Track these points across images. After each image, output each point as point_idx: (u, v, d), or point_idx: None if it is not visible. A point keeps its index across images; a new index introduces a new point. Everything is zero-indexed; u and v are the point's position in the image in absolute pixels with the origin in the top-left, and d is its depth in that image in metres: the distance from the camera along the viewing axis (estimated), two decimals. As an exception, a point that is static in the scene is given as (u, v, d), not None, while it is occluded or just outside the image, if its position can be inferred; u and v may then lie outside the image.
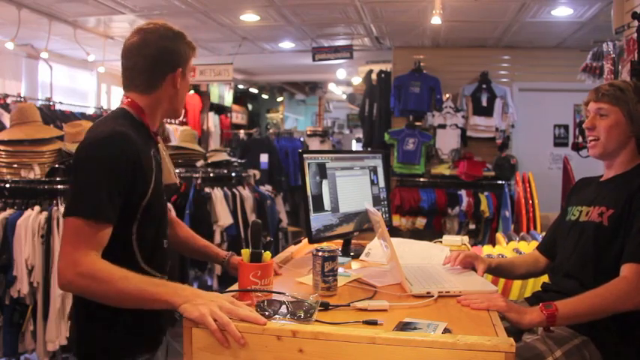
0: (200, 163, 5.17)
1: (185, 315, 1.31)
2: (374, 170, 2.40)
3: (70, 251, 1.38)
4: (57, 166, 3.44)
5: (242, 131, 8.75)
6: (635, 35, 2.87)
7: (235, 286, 1.54)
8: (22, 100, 5.33)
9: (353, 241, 2.32)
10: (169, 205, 1.85)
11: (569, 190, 2.20)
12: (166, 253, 1.68)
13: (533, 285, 2.83)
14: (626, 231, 1.76)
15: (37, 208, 3.28)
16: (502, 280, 2.98)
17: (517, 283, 2.99)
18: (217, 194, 4.86)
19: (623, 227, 1.78)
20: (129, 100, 1.61)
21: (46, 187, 3.41)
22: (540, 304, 1.65)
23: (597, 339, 1.75)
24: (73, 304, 1.63)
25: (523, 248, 3.28)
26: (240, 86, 9.85)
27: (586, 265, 1.85)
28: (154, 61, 1.59)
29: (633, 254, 1.70)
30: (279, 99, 11.59)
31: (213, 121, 8.56)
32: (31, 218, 3.21)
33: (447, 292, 1.63)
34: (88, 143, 1.47)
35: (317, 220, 2.04)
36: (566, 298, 1.70)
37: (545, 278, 2.15)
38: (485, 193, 6.15)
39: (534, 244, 3.35)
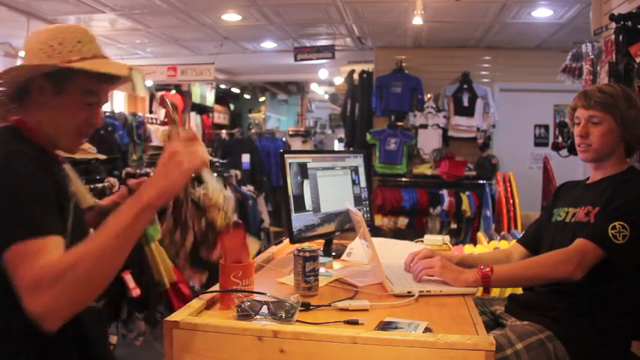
0: (181, 163, 5.14)
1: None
2: (355, 170, 2.40)
3: (24, 278, 1.09)
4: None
5: (224, 131, 8.70)
6: (612, 37, 2.90)
7: (217, 287, 1.53)
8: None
9: (334, 241, 2.32)
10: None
11: (553, 193, 2.21)
12: None
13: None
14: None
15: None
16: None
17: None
18: (199, 195, 4.83)
19: None
20: None
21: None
22: (478, 265, 1.73)
23: (559, 334, 1.76)
24: None
25: (504, 247, 3.29)
26: (222, 86, 9.81)
27: None
28: None
29: (590, 234, 1.74)
30: (261, 99, 11.56)
31: (194, 121, 8.51)
32: None
33: (427, 291, 1.64)
34: None
35: (298, 220, 2.03)
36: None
37: None
38: (467, 193, 6.19)
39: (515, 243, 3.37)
